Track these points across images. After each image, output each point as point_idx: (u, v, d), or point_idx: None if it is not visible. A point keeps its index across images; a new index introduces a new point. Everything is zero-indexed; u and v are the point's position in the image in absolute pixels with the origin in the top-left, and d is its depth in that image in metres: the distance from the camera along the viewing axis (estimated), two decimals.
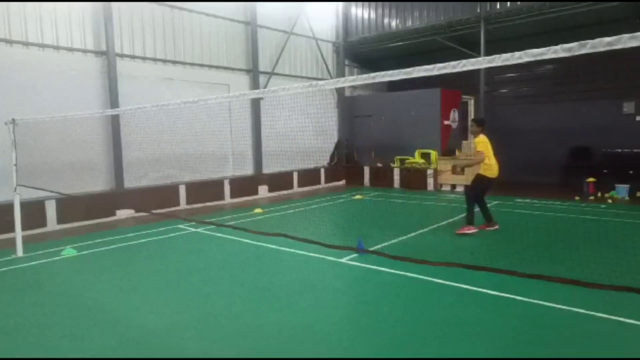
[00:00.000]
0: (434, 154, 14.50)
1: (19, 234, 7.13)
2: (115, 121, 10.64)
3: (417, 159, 14.84)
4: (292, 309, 4.70)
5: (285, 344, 3.92)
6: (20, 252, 7.09)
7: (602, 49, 2.22)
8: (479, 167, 8.14)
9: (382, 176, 15.62)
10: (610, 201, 11.06)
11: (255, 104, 13.98)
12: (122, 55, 10.94)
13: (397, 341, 3.91)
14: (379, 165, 15.92)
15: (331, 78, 16.17)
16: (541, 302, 4.56)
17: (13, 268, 6.49)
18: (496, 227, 8.08)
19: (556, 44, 2.39)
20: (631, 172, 12.08)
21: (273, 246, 7.20)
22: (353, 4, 16.71)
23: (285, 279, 5.69)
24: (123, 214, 10.40)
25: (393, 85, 17.90)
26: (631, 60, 12.70)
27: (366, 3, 16.36)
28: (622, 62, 12.93)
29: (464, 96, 15.70)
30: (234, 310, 4.72)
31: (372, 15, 16.27)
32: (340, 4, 16.81)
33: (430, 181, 14.39)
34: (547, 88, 15.32)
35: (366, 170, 16.19)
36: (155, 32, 11.68)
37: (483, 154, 7.89)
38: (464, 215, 9.79)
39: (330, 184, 16.22)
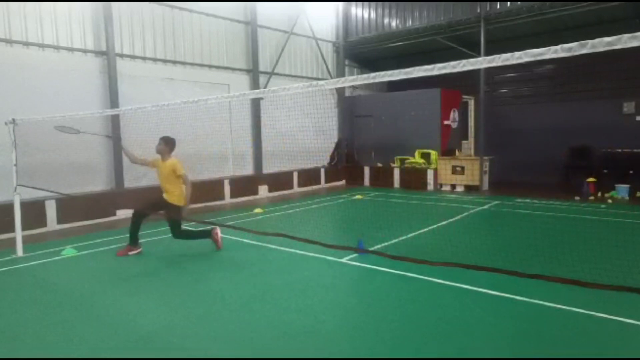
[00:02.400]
0: (434, 154, 14.51)
1: (19, 234, 7.13)
2: (115, 121, 10.64)
3: (417, 159, 14.85)
4: (291, 308, 4.70)
5: (285, 343, 3.92)
6: (20, 252, 7.08)
7: (602, 49, 2.22)
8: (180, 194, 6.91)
9: (382, 176, 15.63)
10: (610, 201, 11.06)
11: (255, 104, 13.97)
12: (122, 55, 10.94)
13: (397, 341, 3.91)
14: (379, 165, 15.93)
15: (331, 78, 16.17)
16: (541, 302, 4.56)
17: (13, 268, 6.49)
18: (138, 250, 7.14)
19: (556, 44, 2.39)
20: (631, 172, 12.09)
21: (273, 246, 7.19)
22: (353, 4, 16.71)
23: (285, 279, 5.68)
24: (123, 214, 10.40)
25: (393, 85, 17.90)
26: (631, 60, 12.70)
27: (366, 3, 16.36)
28: (622, 62, 12.94)
29: (464, 96, 15.70)
30: (234, 310, 4.72)
31: (372, 15, 16.27)
32: (340, 4, 16.81)
33: (430, 181, 14.40)
34: (547, 88, 15.33)
35: (366, 170, 16.19)
36: (155, 32, 11.68)
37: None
38: (464, 215, 9.82)
39: (330, 184, 16.22)
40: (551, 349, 3.68)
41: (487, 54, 11.31)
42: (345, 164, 16.87)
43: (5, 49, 9.18)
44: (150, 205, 7.10)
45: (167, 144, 7.04)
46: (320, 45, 16.36)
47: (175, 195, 6.85)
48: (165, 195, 6.90)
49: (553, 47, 2.38)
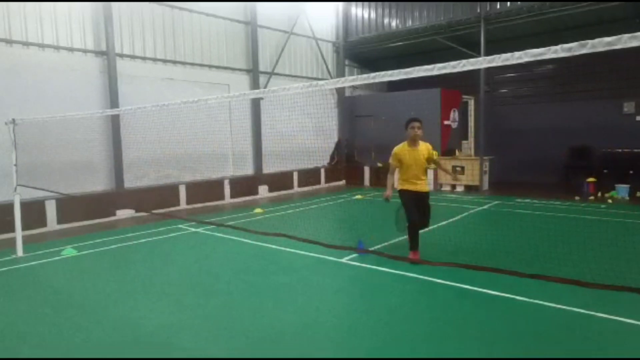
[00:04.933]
0: (434, 154, 14.47)
1: (19, 234, 7.13)
2: (115, 121, 10.64)
3: None
4: (292, 308, 4.70)
5: (285, 343, 3.92)
6: (20, 252, 7.09)
7: (602, 49, 2.22)
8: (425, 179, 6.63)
9: (382, 176, 15.60)
10: (610, 201, 11.06)
11: (256, 104, 13.97)
12: (122, 55, 10.93)
13: (397, 341, 3.91)
14: (379, 165, 15.91)
15: (331, 78, 16.16)
16: (541, 302, 4.55)
17: (13, 268, 6.49)
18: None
19: (556, 44, 2.39)
20: (631, 172, 12.09)
21: (273, 246, 7.19)
22: (353, 4, 16.70)
23: (285, 279, 5.68)
24: (123, 214, 10.40)
25: (393, 85, 17.89)
26: (631, 60, 12.70)
27: (366, 3, 16.35)
28: (622, 62, 12.93)
29: (464, 96, 15.68)
30: (234, 310, 4.72)
31: (372, 15, 16.26)
32: (340, 4, 16.81)
33: (430, 181, 14.38)
34: (547, 88, 15.33)
35: (366, 170, 16.18)
36: (155, 32, 11.68)
37: None
38: (464, 215, 9.81)
39: (330, 184, 16.22)
40: (551, 349, 3.68)
41: (487, 54, 11.30)
42: (345, 164, 16.86)
43: (5, 49, 9.18)
44: (418, 210, 6.27)
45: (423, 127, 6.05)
46: (320, 45, 16.35)
47: (426, 181, 6.28)
48: (421, 186, 6.28)
49: (553, 47, 2.38)
